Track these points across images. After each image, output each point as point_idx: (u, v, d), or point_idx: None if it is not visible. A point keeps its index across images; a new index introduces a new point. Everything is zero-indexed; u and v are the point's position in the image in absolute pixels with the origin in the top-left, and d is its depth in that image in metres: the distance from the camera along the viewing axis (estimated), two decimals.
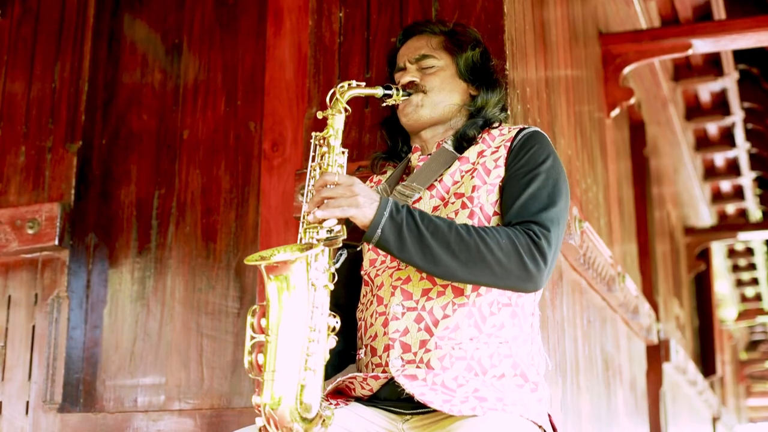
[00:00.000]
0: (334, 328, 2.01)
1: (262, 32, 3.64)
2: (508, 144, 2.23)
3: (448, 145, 2.29)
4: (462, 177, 2.23)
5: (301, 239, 2.06)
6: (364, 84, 2.25)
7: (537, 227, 2.07)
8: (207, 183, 3.63)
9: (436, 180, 2.26)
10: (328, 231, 2.02)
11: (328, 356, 1.99)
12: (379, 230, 2.01)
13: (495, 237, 2.02)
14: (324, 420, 1.94)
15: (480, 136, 2.29)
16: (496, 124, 2.32)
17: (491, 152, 2.24)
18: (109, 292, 3.67)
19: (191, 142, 3.69)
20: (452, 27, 2.45)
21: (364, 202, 2.01)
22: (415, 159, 2.36)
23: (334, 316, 2.02)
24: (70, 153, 3.67)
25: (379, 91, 2.29)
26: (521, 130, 2.26)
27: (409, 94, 2.33)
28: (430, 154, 2.33)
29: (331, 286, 2.03)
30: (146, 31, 3.87)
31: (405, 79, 2.35)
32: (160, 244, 3.65)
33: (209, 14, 3.79)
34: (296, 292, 1.92)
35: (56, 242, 3.53)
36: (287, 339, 1.91)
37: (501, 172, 2.20)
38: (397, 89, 2.32)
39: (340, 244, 2.05)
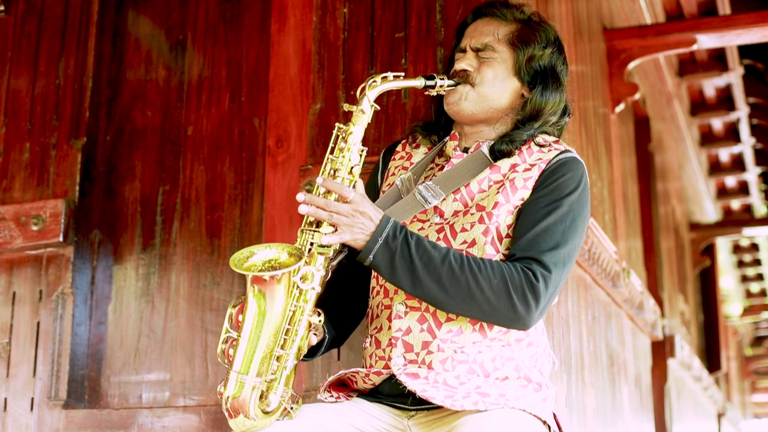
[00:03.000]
0: (315, 326, 2.08)
1: (266, 28, 3.64)
2: (543, 166, 2.15)
3: (485, 150, 2.20)
4: (489, 187, 2.17)
5: (298, 237, 2.09)
6: (402, 75, 2.18)
7: (539, 268, 2.03)
8: (211, 179, 3.63)
9: (462, 185, 2.19)
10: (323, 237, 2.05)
11: (305, 351, 2.07)
12: (371, 256, 2.03)
13: (488, 275, 2.01)
14: (289, 412, 2.04)
15: (519, 148, 2.19)
16: (540, 140, 2.20)
17: (524, 169, 2.16)
18: (114, 289, 3.67)
19: (195, 138, 3.69)
20: (528, 17, 2.29)
21: (360, 228, 2.02)
22: (450, 148, 2.28)
23: (318, 314, 2.06)
24: (74, 149, 3.67)
25: (420, 83, 2.19)
26: (559, 153, 2.17)
27: (457, 84, 2.23)
28: (466, 149, 2.26)
29: (319, 289, 2.05)
30: (150, 28, 3.87)
31: (459, 65, 2.25)
32: (164, 240, 3.65)
33: (213, 10, 3.79)
34: (275, 302, 1.99)
35: (61, 239, 3.54)
36: (256, 343, 1.99)
37: (526, 194, 2.13)
38: (441, 78, 2.21)
39: (332, 253, 2.07)
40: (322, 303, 2.14)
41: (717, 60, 7.19)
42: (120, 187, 3.74)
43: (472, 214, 2.15)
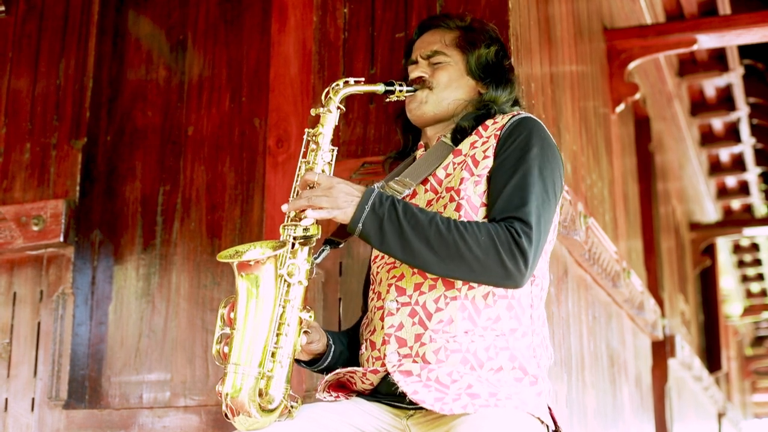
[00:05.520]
0: (307, 323, 2.11)
1: (266, 28, 3.64)
2: (498, 133, 2.21)
3: (446, 139, 2.29)
4: (454, 169, 2.23)
5: (281, 233, 2.13)
6: (363, 80, 2.26)
7: (519, 224, 2.06)
8: (212, 179, 3.63)
9: (430, 174, 2.27)
10: (303, 230, 2.09)
11: (299, 349, 2.09)
12: (360, 224, 2.06)
13: (474, 233, 2.03)
14: (290, 410, 2.06)
15: (476, 128, 2.28)
16: (494, 116, 2.30)
17: (482, 143, 2.23)
18: (114, 289, 3.68)
19: (196, 138, 3.70)
20: (469, 23, 2.43)
21: (344, 201, 2.06)
22: (419, 155, 2.37)
23: (308, 311, 2.10)
24: (75, 149, 3.68)
25: (380, 88, 2.29)
26: (512, 117, 2.24)
27: (415, 90, 2.33)
28: None
29: (306, 283, 2.10)
30: (151, 28, 3.87)
31: (414, 74, 2.36)
32: (164, 240, 3.65)
33: (213, 10, 3.79)
34: (263, 289, 2.03)
35: (61, 239, 3.54)
36: (251, 333, 2.02)
37: (489, 162, 2.19)
38: (400, 85, 2.31)
39: (314, 243, 2.11)
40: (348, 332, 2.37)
41: (717, 60, 7.19)
42: (120, 187, 3.74)
43: (443, 198, 2.22)
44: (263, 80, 3.61)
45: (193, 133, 3.70)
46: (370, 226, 2.05)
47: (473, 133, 2.27)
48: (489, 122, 2.27)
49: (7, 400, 3.55)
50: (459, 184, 2.19)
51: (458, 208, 2.16)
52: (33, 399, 3.51)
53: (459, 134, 2.28)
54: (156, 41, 3.85)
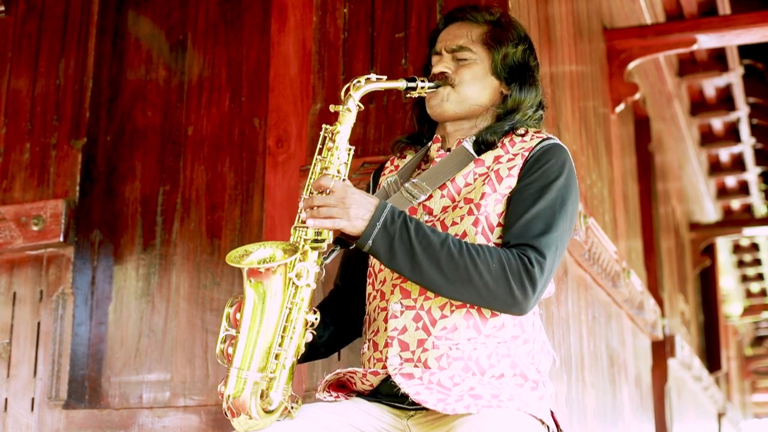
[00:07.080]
0: (312, 324, 2.08)
1: (266, 28, 3.64)
2: (526, 154, 2.17)
3: (468, 145, 2.23)
4: (474, 180, 2.20)
5: (291, 234, 2.11)
6: (385, 77, 2.20)
7: (534, 253, 2.04)
8: (212, 179, 3.63)
9: (448, 180, 2.22)
10: (315, 233, 2.07)
11: (303, 350, 2.07)
12: (370, 241, 2.03)
13: (486, 260, 2.01)
14: (290, 411, 2.05)
15: (501, 141, 2.23)
16: (522, 131, 2.24)
17: (507, 159, 2.19)
18: (114, 289, 3.68)
19: (196, 138, 3.70)
20: (498, 18, 2.33)
21: (356, 214, 2.02)
22: (434, 150, 2.31)
23: (314, 312, 2.08)
24: (74, 149, 3.68)
25: (401, 84, 2.22)
26: (541, 141, 2.20)
27: (438, 86, 2.26)
28: (449, 149, 2.29)
29: (314, 285, 2.07)
30: (150, 28, 3.87)
31: (437, 68, 2.28)
32: (164, 240, 3.65)
33: (213, 10, 3.79)
34: (272, 295, 2.01)
35: (61, 239, 3.54)
36: (256, 338, 2.00)
37: (513, 182, 2.16)
38: (422, 80, 2.24)
39: (325, 247, 2.08)
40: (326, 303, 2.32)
41: (717, 60, 7.19)
42: (120, 187, 3.74)
43: (460, 208, 2.17)
44: (263, 80, 3.61)
45: (192, 133, 3.71)
46: (380, 243, 2.02)
47: (498, 144, 2.22)
48: (517, 138, 2.22)
49: (6, 400, 3.55)
50: (480, 198, 2.15)
51: (476, 223, 2.13)
52: (33, 399, 3.51)
53: (483, 145, 2.22)
54: (156, 41, 3.85)
